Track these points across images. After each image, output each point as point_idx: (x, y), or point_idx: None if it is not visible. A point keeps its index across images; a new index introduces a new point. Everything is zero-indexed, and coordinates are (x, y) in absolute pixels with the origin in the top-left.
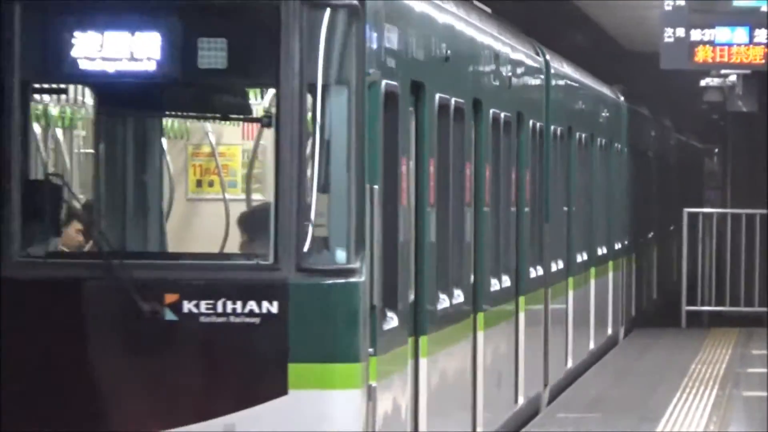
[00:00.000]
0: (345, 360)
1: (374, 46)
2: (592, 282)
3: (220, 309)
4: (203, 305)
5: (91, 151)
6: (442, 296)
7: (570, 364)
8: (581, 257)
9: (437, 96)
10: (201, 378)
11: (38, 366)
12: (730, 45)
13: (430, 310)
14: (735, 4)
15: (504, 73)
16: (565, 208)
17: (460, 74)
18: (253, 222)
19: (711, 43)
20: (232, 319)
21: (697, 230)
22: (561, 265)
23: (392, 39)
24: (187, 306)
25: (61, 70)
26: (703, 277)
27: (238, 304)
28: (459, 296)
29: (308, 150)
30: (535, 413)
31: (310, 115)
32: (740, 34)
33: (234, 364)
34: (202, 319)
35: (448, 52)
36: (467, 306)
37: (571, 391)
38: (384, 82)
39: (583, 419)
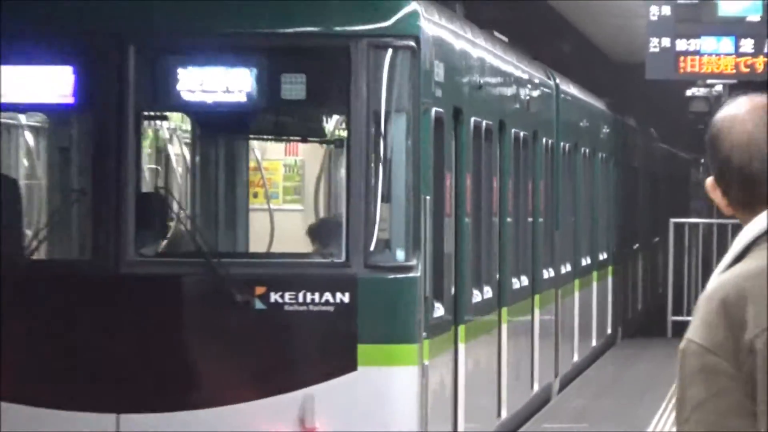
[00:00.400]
0: (405, 342)
1: (426, 79)
2: (594, 285)
3: (301, 299)
4: (287, 296)
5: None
6: (476, 292)
7: (576, 357)
8: (585, 261)
9: (472, 119)
10: (285, 357)
11: (149, 345)
12: (715, 55)
13: (466, 303)
14: (720, 14)
15: (523, 97)
16: (572, 218)
17: (489, 100)
18: (322, 229)
19: (697, 53)
20: (311, 307)
21: (683, 240)
22: (569, 268)
23: (439, 73)
24: (274, 297)
25: (167, 101)
26: (689, 286)
27: (316, 295)
28: (488, 292)
29: (373, 167)
30: (547, 400)
31: (374, 137)
32: (726, 44)
33: (312, 345)
34: (286, 307)
35: (481, 81)
36: (494, 301)
37: (557, 402)
38: (433, 109)
39: (569, 430)
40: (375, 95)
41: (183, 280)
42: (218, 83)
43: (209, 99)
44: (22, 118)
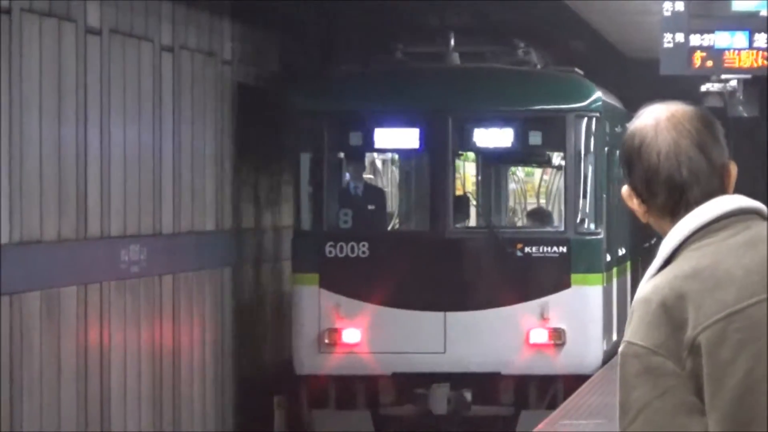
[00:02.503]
0: (596, 272)
1: (603, 132)
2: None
3: (541, 250)
4: (533, 249)
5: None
6: (620, 249)
7: None
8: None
9: (617, 151)
10: (533, 281)
11: (461, 274)
12: (729, 50)
13: (617, 255)
14: (734, 8)
15: None
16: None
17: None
18: (538, 214)
19: (711, 48)
20: (546, 254)
21: None
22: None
23: (608, 127)
24: (527, 249)
25: (468, 146)
26: None
27: (549, 248)
28: (623, 250)
29: (578, 179)
30: None
31: (579, 164)
32: (740, 38)
33: (547, 275)
34: (533, 255)
35: (620, 127)
36: (626, 256)
37: (575, 399)
38: (605, 148)
39: (587, 426)
40: (578, 142)
41: (478, 241)
42: (495, 136)
43: (490, 145)
44: (375, 155)
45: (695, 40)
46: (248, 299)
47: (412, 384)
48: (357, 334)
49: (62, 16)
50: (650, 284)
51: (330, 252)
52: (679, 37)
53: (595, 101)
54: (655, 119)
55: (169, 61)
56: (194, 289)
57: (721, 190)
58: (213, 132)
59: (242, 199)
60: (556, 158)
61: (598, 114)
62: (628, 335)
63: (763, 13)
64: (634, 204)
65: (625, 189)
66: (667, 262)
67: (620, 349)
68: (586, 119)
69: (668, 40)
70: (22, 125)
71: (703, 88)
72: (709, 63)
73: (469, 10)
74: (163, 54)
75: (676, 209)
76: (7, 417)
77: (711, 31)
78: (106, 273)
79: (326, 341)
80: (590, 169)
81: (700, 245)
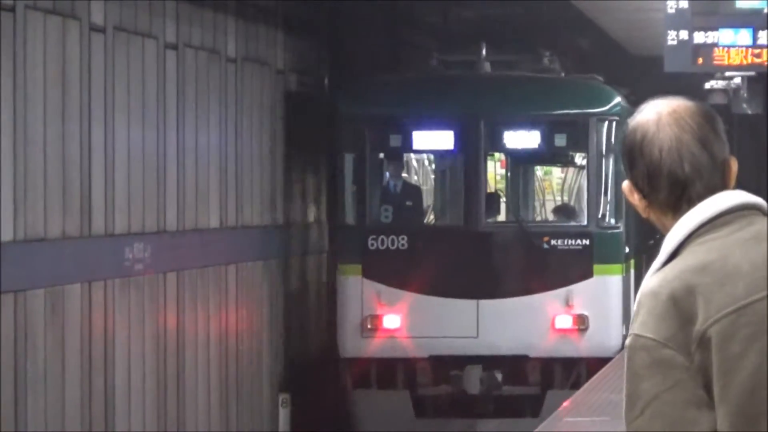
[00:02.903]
0: (615, 263)
1: (623, 134)
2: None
3: (566, 243)
4: (559, 241)
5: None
6: (634, 241)
7: None
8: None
9: None
10: (558, 271)
11: (492, 263)
12: (733, 47)
13: (633, 248)
14: (738, 6)
15: None
16: None
17: None
18: (563, 209)
19: (714, 45)
20: (571, 247)
21: None
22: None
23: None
24: (553, 242)
25: (498, 147)
26: None
27: (573, 241)
28: (639, 243)
29: (599, 177)
30: None
31: (600, 163)
32: (744, 36)
33: (572, 265)
34: (559, 247)
35: None
36: (642, 249)
37: (579, 396)
38: None
39: (591, 423)
40: (600, 143)
41: (508, 234)
42: (523, 138)
43: (519, 146)
44: (412, 156)
45: (699, 37)
46: (253, 297)
47: (448, 366)
48: (397, 320)
49: (66, 14)
50: (656, 278)
51: (372, 244)
52: (683, 34)
53: (615, 106)
54: (657, 114)
55: (173, 58)
56: (198, 286)
57: (723, 186)
58: (216, 129)
59: (245, 196)
60: (579, 158)
61: (617, 117)
62: (635, 328)
63: (767, 10)
64: (635, 199)
65: (626, 184)
66: (672, 257)
67: (627, 342)
68: (607, 122)
69: (672, 37)
70: (26, 123)
71: (707, 85)
72: (713, 60)
73: (472, 9)
74: (168, 51)
75: (678, 205)
76: (11, 415)
77: (715, 28)
78: (111, 271)
79: (368, 326)
80: (610, 168)
81: (704, 240)
